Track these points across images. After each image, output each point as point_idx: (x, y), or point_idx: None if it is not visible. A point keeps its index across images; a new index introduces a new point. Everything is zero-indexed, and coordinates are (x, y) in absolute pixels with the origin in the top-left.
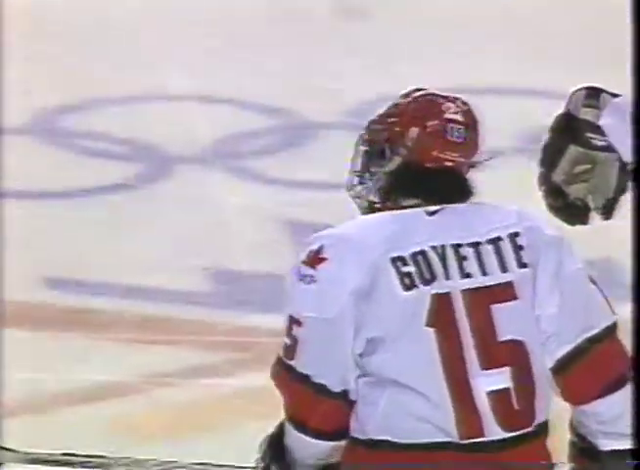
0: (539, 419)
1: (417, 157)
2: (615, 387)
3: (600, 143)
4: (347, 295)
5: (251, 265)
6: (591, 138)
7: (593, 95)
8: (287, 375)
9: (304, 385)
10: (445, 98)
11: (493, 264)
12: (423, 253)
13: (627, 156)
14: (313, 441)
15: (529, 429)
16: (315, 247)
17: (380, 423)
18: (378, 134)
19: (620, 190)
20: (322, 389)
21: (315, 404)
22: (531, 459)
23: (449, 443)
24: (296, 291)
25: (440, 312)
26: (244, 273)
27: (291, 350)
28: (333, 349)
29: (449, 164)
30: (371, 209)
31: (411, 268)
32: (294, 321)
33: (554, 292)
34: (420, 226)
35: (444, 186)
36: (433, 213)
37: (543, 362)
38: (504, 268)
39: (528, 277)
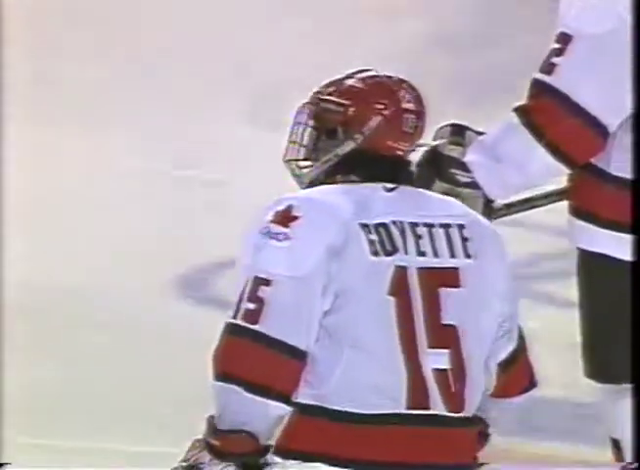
0: (468, 409)
1: (372, 145)
2: (535, 382)
3: (464, 179)
4: (322, 252)
5: (545, 392)
6: (455, 174)
7: (458, 132)
8: (248, 341)
9: (272, 348)
10: (396, 82)
11: (444, 248)
12: (384, 225)
13: (491, 192)
14: (277, 405)
15: (462, 414)
16: (282, 207)
17: (334, 389)
18: (330, 113)
19: None
20: (290, 350)
21: (282, 367)
22: (466, 444)
23: (399, 414)
24: (265, 250)
25: (400, 284)
26: (538, 399)
27: (255, 313)
28: (303, 307)
29: (400, 153)
30: (313, 184)
31: (374, 237)
32: (261, 282)
33: (508, 289)
34: (379, 200)
35: (392, 171)
36: (390, 190)
37: (479, 355)
38: (452, 254)
39: (472, 268)
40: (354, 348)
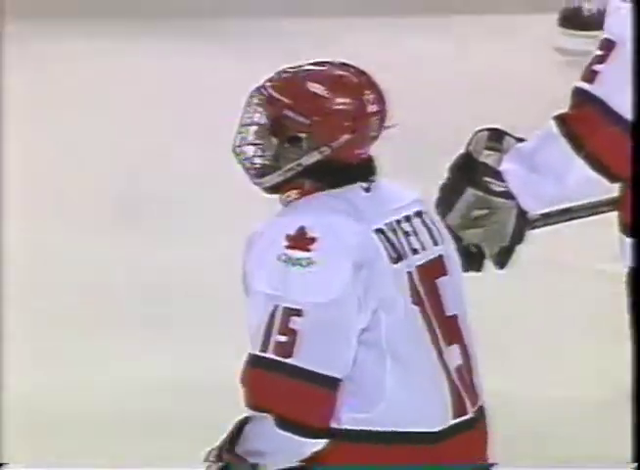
0: (481, 397)
1: (339, 155)
2: None
3: (498, 189)
4: (349, 269)
5: None
6: (489, 183)
7: (496, 137)
8: (283, 376)
9: (310, 381)
10: (358, 78)
11: (427, 238)
12: (382, 231)
13: (526, 204)
14: (314, 442)
15: (479, 406)
16: (293, 230)
17: (385, 410)
18: (293, 123)
19: (517, 239)
20: (328, 381)
21: (321, 401)
22: (484, 440)
23: (453, 426)
24: (289, 278)
25: (415, 290)
26: None
27: (288, 345)
28: (339, 331)
29: (365, 155)
30: (274, 188)
31: (381, 245)
32: (291, 312)
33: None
34: (364, 204)
35: (362, 173)
36: (367, 190)
37: (472, 339)
38: (434, 242)
39: (447, 252)
40: (398, 362)
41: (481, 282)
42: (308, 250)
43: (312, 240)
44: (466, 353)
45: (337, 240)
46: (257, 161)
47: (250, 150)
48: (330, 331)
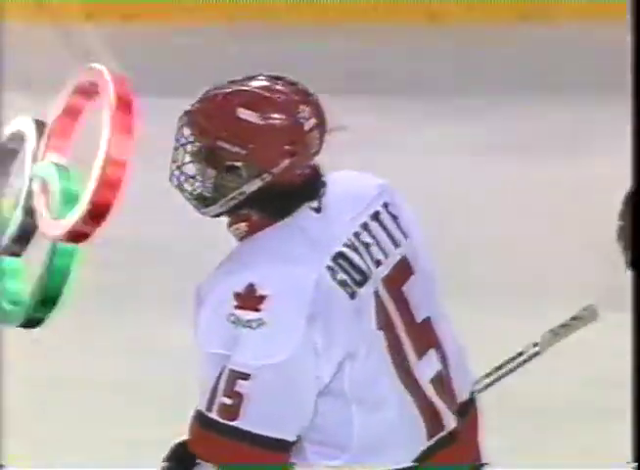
0: (460, 394)
1: (282, 179)
2: None
3: None
4: (303, 326)
5: None
6: None
7: None
8: (226, 437)
9: (255, 445)
10: (293, 95)
11: (388, 243)
12: (342, 254)
13: None
14: None
15: (459, 403)
16: (242, 288)
17: (359, 450)
18: (226, 152)
19: None
20: (276, 444)
21: (267, 463)
22: (473, 441)
23: (425, 450)
24: (239, 341)
25: (380, 310)
26: None
27: (233, 408)
28: (291, 392)
29: (308, 171)
30: (219, 215)
31: (343, 276)
32: (238, 376)
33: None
34: (316, 228)
35: (306, 194)
36: (318, 209)
37: (450, 330)
38: (395, 244)
39: (412, 246)
40: (364, 405)
41: None
42: (258, 310)
43: (262, 298)
44: (442, 355)
45: (288, 295)
46: (198, 191)
47: (187, 180)
48: (279, 392)
